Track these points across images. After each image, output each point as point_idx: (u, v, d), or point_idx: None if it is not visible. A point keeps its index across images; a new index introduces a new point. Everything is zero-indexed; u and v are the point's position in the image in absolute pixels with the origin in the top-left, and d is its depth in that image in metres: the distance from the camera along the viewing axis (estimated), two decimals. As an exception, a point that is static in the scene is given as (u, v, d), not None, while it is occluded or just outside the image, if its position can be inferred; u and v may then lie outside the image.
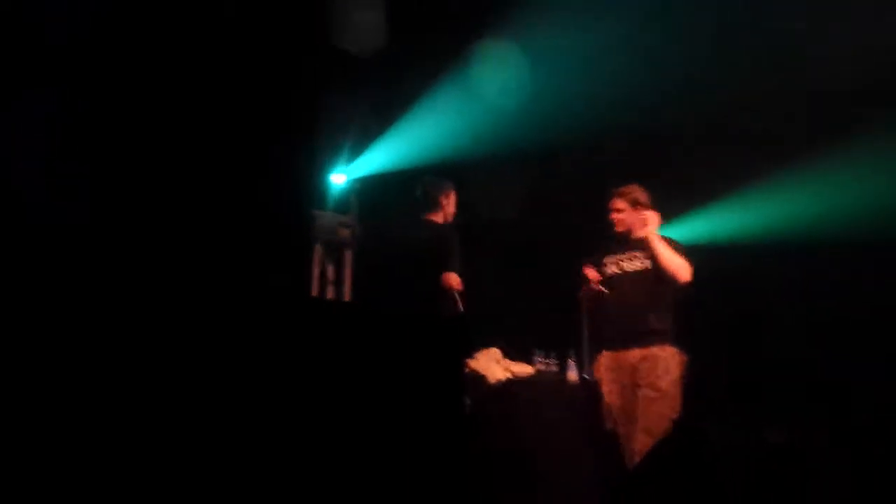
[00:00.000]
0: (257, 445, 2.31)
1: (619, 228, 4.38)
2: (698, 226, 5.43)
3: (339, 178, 5.62)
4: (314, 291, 5.15)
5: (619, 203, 4.37)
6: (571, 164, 5.74)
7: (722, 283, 5.07)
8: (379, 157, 5.68)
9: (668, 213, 4.87)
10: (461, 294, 4.34)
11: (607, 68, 5.39)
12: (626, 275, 4.35)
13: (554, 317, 4.80)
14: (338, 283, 5.35)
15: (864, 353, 4.95)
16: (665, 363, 4.10)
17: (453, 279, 4.32)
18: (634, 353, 4.16)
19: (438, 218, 4.60)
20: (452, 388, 2.90)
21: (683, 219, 5.34)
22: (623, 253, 4.38)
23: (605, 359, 4.28)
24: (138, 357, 2.21)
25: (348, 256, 5.35)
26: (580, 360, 4.41)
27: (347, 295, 5.33)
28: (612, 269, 4.39)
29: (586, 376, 4.40)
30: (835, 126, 5.24)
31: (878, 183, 5.10)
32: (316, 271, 5.25)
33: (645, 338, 4.16)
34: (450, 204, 4.65)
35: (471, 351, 4.08)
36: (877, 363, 4.86)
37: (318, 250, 5.26)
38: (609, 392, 4.19)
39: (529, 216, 5.64)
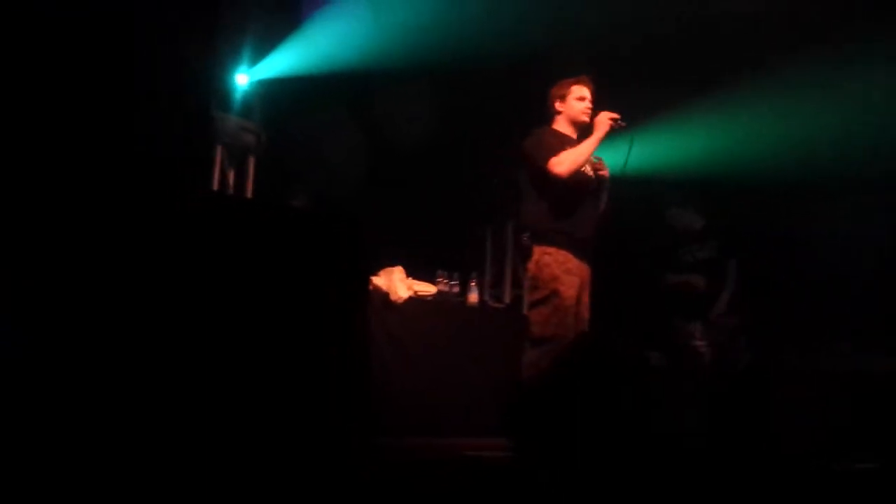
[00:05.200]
0: (155, 333, 2.35)
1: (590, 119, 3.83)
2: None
3: (242, 79, 5.41)
4: (213, 195, 5.01)
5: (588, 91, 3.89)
6: (482, 83, 5.68)
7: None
8: (285, 60, 5.48)
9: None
10: None
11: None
12: (592, 179, 3.82)
13: (459, 238, 4.86)
14: (238, 189, 5.21)
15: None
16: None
17: None
18: (586, 268, 3.80)
19: None
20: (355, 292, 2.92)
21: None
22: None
23: (565, 258, 3.71)
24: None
25: (251, 162, 5.21)
26: (481, 283, 4.52)
27: (248, 201, 5.21)
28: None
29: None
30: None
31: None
32: (216, 175, 5.10)
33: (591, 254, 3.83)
34: None
35: (370, 253, 4.02)
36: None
37: (220, 154, 5.09)
38: (570, 296, 3.68)
39: (437, 134, 5.59)
